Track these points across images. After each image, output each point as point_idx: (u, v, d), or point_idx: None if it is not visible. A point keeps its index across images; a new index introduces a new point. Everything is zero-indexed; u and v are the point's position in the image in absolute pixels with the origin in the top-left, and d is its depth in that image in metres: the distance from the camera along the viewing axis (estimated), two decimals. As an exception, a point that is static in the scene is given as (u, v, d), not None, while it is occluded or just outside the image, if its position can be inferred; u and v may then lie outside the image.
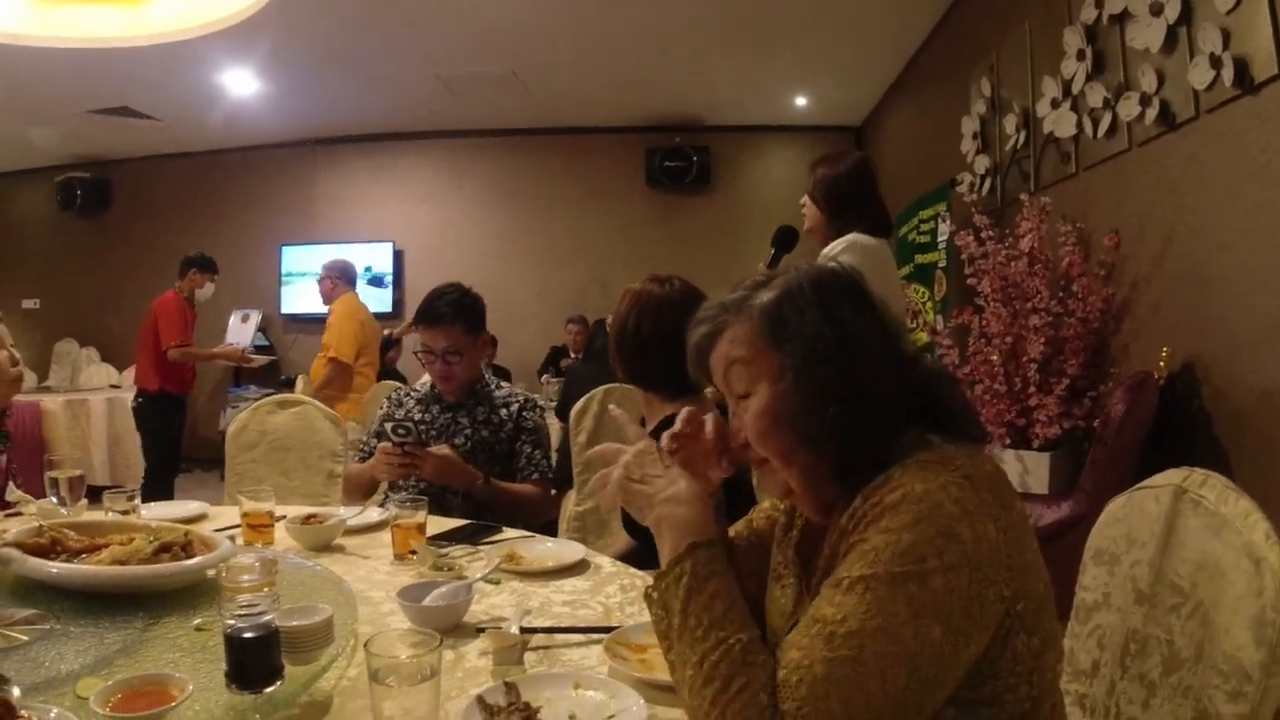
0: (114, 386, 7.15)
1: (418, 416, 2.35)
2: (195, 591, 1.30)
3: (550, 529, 2.41)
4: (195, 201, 7.84)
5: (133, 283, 7.45)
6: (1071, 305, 3.05)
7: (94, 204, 7.94)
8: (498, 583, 1.51)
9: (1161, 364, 2.67)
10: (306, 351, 6.67)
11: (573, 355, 6.74)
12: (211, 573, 1.30)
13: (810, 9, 4.83)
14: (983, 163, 4.22)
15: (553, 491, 2.40)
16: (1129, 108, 2.85)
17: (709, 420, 1.05)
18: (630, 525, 1.98)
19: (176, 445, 5.11)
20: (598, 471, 1.04)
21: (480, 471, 2.18)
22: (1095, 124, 3.10)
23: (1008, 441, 3.11)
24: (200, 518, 2.01)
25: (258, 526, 1.72)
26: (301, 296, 7.44)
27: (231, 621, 0.95)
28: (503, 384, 2.47)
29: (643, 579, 1.51)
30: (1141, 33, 2.74)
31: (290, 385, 4.62)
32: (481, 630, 1.25)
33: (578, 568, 1.60)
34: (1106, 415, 2.66)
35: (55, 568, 1.26)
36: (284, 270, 7.70)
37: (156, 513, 1.96)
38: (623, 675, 1.08)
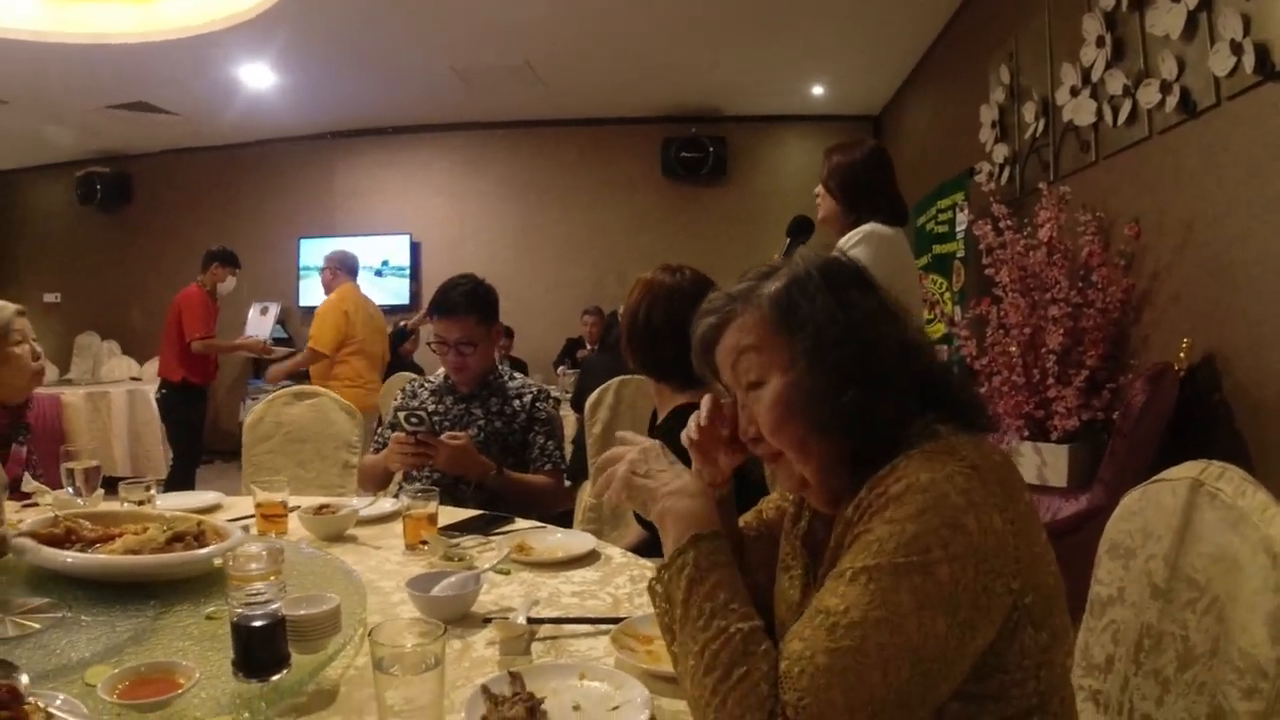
0: (135, 379, 7.23)
1: (431, 407, 2.35)
2: (207, 580, 1.31)
3: (565, 520, 2.41)
4: (214, 195, 7.89)
5: (154, 276, 7.54)
6: (1091, 295, 3.00)
7: (114, 199, 8.01)
8: (507, 573, 1.51)
9: (1182, 355, 2.63)
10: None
11: (589, 347, 6.72)
12: (219, 561, 1.31)
13: (827, -3, 4.78)
14: (1001, 151, 4.17)
15: (567, 483, 2.40)
16: (1149, 95, 2.81)
17: (727, 408, 1.04)
18: (641, 516, 1.97)
19: (199, 435, 5.18)
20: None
21: (493, 462, 2.19)
22: (1115, 112, 3.06)
23: (1026, 433, 3.08)
24: (215, 508, 2.03)
25: (271, 517, 1.74)
26: (320, 289, 7.45)
27: (238, 610, 0.96)
28: (516, 375, 2.47)
29: (653, 570, 1.51)
30: (1161, 19, 2.70)
31: (308, 377, 4.66)
32: (489, 620, 1.26)
33: (588, 559, 1.60)
34: (1126, 407, 2.62)
35: (69, 557, 1.27)
36: (302, 263, 7.74)
37: (172, 503, 1.99)
38: (629, 666, 1.08)
